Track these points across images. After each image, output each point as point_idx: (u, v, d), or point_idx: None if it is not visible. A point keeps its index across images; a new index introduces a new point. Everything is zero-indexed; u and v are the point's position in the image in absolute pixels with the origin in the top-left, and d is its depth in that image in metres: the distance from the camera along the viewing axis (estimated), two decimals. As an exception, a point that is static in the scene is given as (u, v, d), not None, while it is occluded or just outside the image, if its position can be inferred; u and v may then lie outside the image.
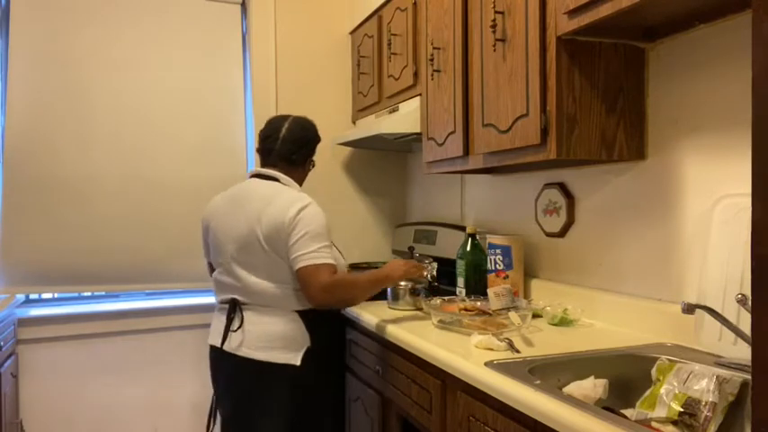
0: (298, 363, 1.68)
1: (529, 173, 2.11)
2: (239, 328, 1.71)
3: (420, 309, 1.97)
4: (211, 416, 1.85)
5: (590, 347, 1.44)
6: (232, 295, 1.74)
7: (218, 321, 1.78)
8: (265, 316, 1.70)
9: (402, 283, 2.02)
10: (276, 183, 1.79)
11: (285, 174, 1.82)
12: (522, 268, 1.98)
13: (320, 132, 1.97)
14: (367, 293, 1.78)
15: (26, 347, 2.52)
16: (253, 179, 1.83)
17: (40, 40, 2.54)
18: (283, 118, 1.90)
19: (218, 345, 1.73)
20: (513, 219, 2.21)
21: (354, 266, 2.37)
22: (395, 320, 1.82)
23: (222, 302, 1.78)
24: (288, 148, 1.84)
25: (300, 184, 1.88)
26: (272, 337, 1.68)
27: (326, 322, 1.78)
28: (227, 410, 1.77)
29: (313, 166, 1.96)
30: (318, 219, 1.68)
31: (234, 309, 1.73)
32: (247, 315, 1.72)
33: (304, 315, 1.72)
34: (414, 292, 2.00)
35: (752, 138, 0.61)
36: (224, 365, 1.75)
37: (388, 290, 2.04)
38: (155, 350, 2.72)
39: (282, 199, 1.70)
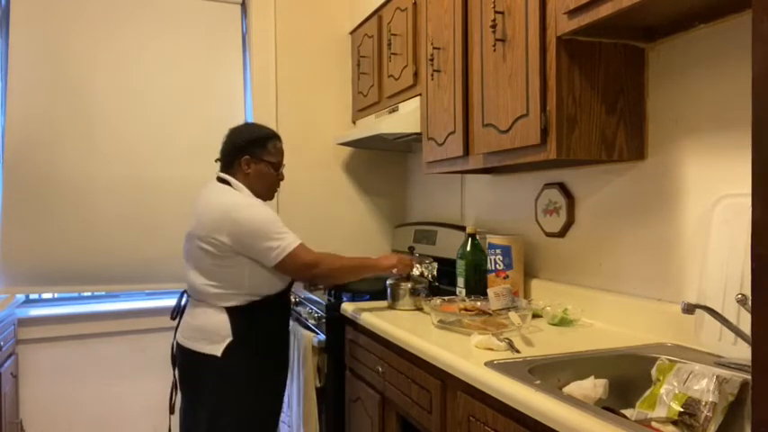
0: (219, 354, 1.81)
1: (529, 173, 2.11)
2: (180, 317, 1.95)
3: (420, 309, 1.97)
4: (173, 390, 2.01)
5: (590, 347, 1.43)
6: (186, 287, 1.96)
7: None
8: (196, 309, 1.88)
9: (402, 283, 2.02)
10: (226, 186, 1.90)
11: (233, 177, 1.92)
12: (522, 268, 1.98)
13: (320, 132, 1.99)
14: (352, 273, 1.93)
15: (26, 347, 2.53)
16: (214, 182, 1.95)
17: (40, 40, 2.54)
18: None
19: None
20: (513, 219, 2.21)
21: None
22: (395, 320, 1.82)
23: None
24: (221, 152, 1.97)
25: (257, 188, 1.92)
26: (196, 329, 1.86)
27: (253, 317, 1.87)
28: (180, 390, 1.98)
29: (279, 171, 1.98)
30: (259, 214, 1.80)
31: (184, 301, 1.96)
32: (186, 308, 1.94)
33: (230, 311, 1.84)
34: (414, 292, 2.00)
35: (752, 138, 0.61)
36: (173, 348, 1.97)
37: (388, 290, 2.04)
38: (154, 350, 2.72)
39: (220, 202, 1.82)
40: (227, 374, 1.82)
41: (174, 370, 1.98)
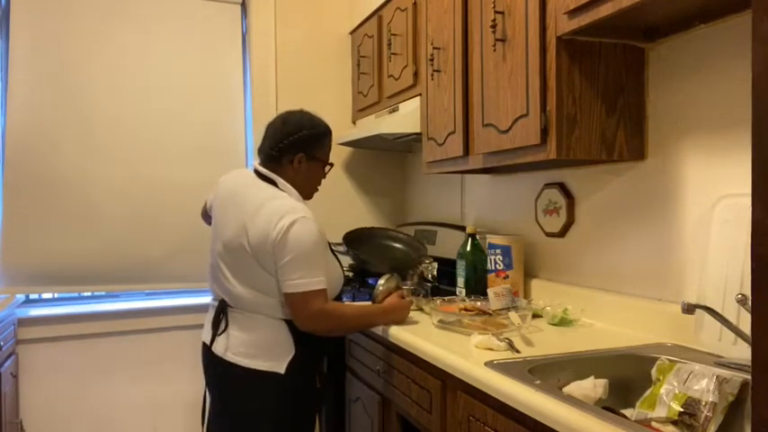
0: (282, 371, 1.62)
1: (529, 173, 2.11)
2: (224, 332, 1.66)
3: (420, 309, 1.97)
4: (205, 409, 1.82)
5: (590, 347, 1.44)
6: (222, 295, 1.70)
7: (209, 320, 1.75)
8: (250, 322, 1.64)
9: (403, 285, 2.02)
10: (272, 187, 1.67)
11: (277, 175, 1.69)
12: (522, 268, 1.98)
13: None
14: (355, 329, 1.77)
15: (26, 347, 2.52)
16: (253, 176, 1.72)
17: (40, 40, 2.54)
18: (281, 113, 1.81)
19: (208, 343, 1.71)
20: (513, 219, 2.21)
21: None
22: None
23: (214, 299, 1.75)
24: (268, 143, 1.71)
25: (299, 189, 1.70)
26: (256, 344, 1.63)
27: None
28: (215, 411, 1.75)
29: (325, 169, 1.80)
30: (308, 237, 1.55)
31: (222, 311, 1.68)
32: (232, 320, 1.66)
33: (290, 323, 1.64)
34: (414, 293, 2.00)
35: (752, 138, 0.61)
36: (212, 367, 1.72)
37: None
38: (154, 350, 2.72)
39: (271, 209, 1.58)
40: (289, 392, 1.64)
41: (209, 388, 1.76)
